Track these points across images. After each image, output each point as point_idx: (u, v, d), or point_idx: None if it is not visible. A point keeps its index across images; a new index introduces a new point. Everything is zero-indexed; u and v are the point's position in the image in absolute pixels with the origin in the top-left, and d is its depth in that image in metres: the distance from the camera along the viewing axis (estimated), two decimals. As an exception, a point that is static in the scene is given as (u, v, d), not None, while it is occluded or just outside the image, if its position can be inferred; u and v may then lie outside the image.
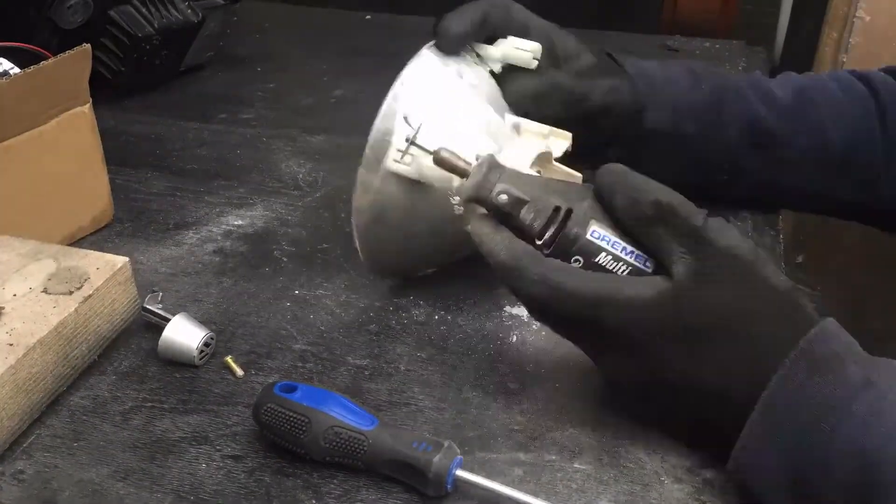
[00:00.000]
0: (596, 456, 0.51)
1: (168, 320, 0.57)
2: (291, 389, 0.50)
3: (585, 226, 0.48)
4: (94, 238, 0.73)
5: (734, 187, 0.70)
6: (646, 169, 0.49)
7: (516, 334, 0.61)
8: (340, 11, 1.26)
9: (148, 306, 0.60)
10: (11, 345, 0.52)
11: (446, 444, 0.48)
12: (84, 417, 0.54)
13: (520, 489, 0.47)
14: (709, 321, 0.45)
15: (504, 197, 0.49)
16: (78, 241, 0.71)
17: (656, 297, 0.45)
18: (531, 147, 0.58)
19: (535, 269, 0.47)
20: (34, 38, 0.73)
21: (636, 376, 0.49)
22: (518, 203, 0.49)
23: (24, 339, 0.52)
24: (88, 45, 0.66)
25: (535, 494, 0.47)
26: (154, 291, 0.62)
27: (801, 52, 1.04)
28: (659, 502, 0.48)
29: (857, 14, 0.94)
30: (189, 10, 0.96)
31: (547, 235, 0.49)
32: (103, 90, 0.77)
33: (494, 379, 0.57)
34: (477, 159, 0.50)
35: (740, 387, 0.45)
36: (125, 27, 0.91)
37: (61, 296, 0.56)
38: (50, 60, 0.64)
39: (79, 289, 0.56)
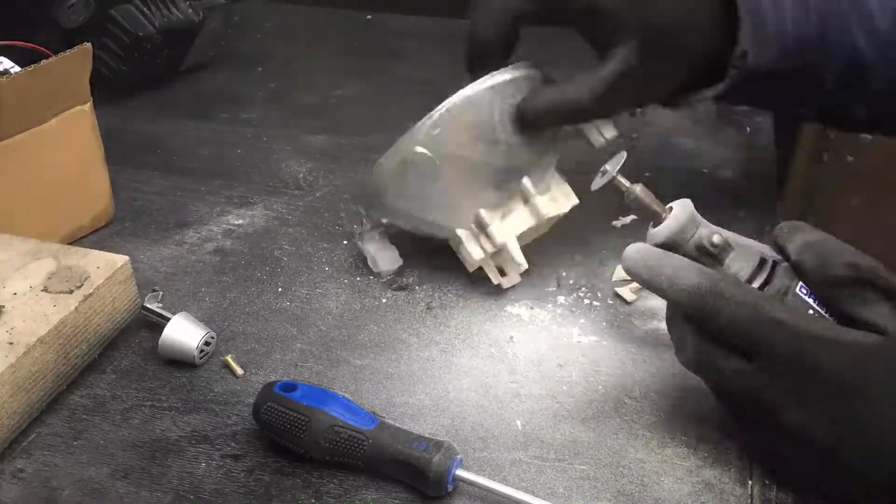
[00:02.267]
0: (596, 456, 0.51)
1: (168, 319, 0.57)
2: (291, 388, 0.50)
3: (792, 280, 0.47)
4: (95, 237, 0.73)
5: (810, 114, 0.68)
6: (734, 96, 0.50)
7: (517, 334, 0.61)
8: (341, 11, 1.26)
9: (148, 305, 0.60)
10: (11, 343, 0.52)
11: (446, 443, 0.48)
12: (84, 416, 0.54)
13: (520, 489, 0.47)
14: None
15: (717, 238, 0.48)
16: (78, 240, 0.71)
17: (881, 343, 0.43)
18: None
19: (743, 294, 0.44)
20: (35, 36, 0.73)
21: (827, 434, 0.43)
22: (726, 249, 0.48)
23: (25, 338, 0.52)
24: (89, 44, 0.66)
25: (535, 494, 0.47)
26: (154, 290, 0.62)
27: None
28: (659, 502, 0.48)
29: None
30: (190, 10, 0.96)
31: (755, 285, 0.47)
32: (104, 89, 0.77)
33: (495, 378, 0.57)
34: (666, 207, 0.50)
35: None
36: (126, 26, 0.91)
37: (61, 294, 0.56)
38: (51, 59, 0.64)
39: (79, 287, 0.56)
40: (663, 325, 0.60)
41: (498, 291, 0.65)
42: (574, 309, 0.63)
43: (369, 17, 1.24)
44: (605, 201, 0.60)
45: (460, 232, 0.62)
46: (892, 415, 0.42)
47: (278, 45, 1.15)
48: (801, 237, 0.47)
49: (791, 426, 0.44)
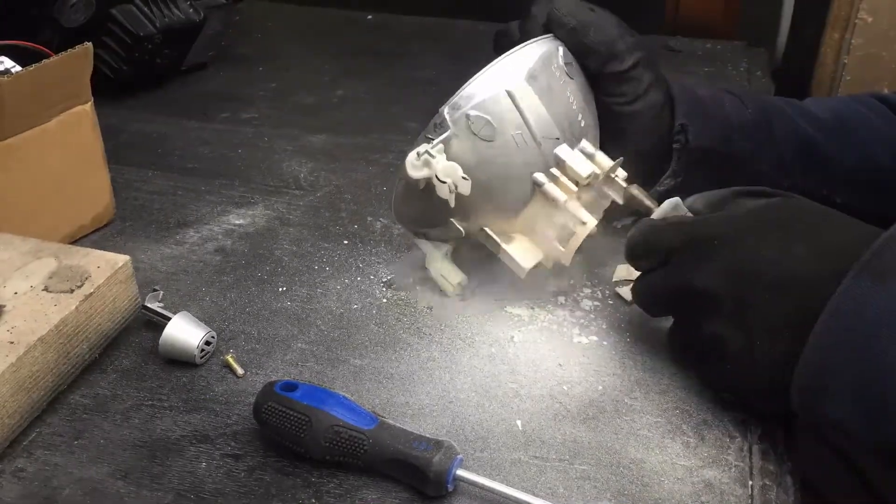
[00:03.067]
0: (596, 456, 0.51)
1: (169, 319, 0.57)
2: (292, 388, 0.50)
3: None
4: (96, 236, 0.73)
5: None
6: (699, 189, 0.56)
7: (517, 334, 0.61)
8: (342, 11, 1.26)
9: (149, 305, 0.60)
10: (12, 343, 0.52)
11: (446, 443, 0.48)
12: (84, 416, 0.54)
13: (520, 489, 0.47)
14: (793, 216, 0.51)
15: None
16: (79, 240, 0.71)
17: (753, 207, 0.53)
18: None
19: (665, 222, 0.56)
20: (36, 36, 0.73)
21: (729, 289, 0.50)
22: None
23: (25, 337, 0.52)
24: (90, 44, 0.66)
25: (536, 494, 0.47)
26: (155, 290, 0.62)
27: (803, 53, 1.04)
28: (659, 502, 0.48)
29: (858, 15, 0.94)
30: (191, 10, 0.96)
31: None
32: (105, 89, 0.77)
33: (495, 378, 0.57)
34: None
35: (817, 277, 0.47)
36: (127, 26, 0.91)
37: (62, 294, 0.56)
38: (52, 59, 0.64)
39: (80, 287, 0.56)
40: (663, 325, 0.60)
41: (498, 292, 0.65)
42: (574, 309, 0.63)
43: (370, 17, 1.24)
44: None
45: (539, 175, 0.58)
46: (773, 255, 0.49)
47: (279, 45, 1.15)
48: (696, 195, 0.57)
49: (700, 292, 0.51)
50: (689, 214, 0.56)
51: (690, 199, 0.57)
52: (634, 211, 0.61)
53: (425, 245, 0.65)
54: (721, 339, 0.50)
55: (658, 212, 0.57)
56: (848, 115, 0.71)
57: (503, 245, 0.60)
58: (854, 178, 0.68)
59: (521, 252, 0.61)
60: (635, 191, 0.60)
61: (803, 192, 0.69)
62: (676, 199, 0.57)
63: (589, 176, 0.58)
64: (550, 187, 0.58)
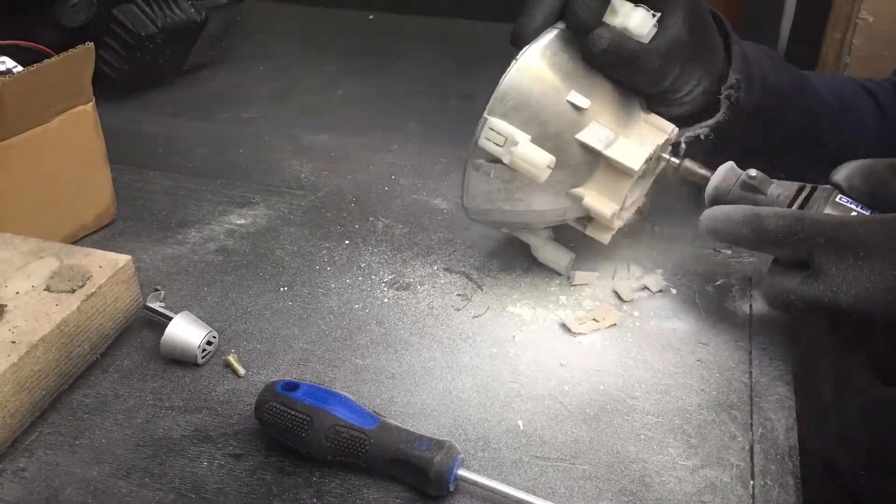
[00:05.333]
0: (597, 456, 0.51)
1: (170, 319, 0.57)
2: (293, 388, 0.50)
3: (831, 193, 0.55)
4: (97, 236, 0.73)
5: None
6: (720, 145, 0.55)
7: (518, 334, 0.61)
8: (343, 11, 1.26)
9: (150, 305, 0.60)
10: (14, 342, 0.52)
11: (448, 443, 0.48)
12: (86, 415, 0.54)
13: (521, 489, 0.47)
14: None
15: (753, 172, 0.57)
16: (80, 240, 0.71)
17: None
18: (620, 186, 0.60)
19: (782, 210, 0.52)
20: (38, 36, 0.73)
21: (886, 306, 0.47)
22: (764, 181, 0.56)
23: (27, 337, 0.52)
24: (92, 44, 0.66)
25: (537, 494, 0.47)
26: (156, 290, 0.62)
27: (804, 52, 1.04)
28: (659, 502, 0.48)
29: (859, 15, 0.94)
30: (192, 10, 0.96)
31: (797, 204, 0.55)
32: (106, 89, 0.77)
33: (496, 378, 0.57)
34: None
35: None
36: (128, 26, 0.91)
37: (64, 294, 0.56)
38: (53, 59, 0.64)
39: (81, 287, 0.56)
40: (663, 325, 0.60)
41: (499, 291, 0.65)
42: (576, 309, 0.63)
43: (371, 17, 1.24)
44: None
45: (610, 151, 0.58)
46: None
47: (280, 45, 1.15)
48: (847, 166, 0.54)
49: (849, 311, 0.47)
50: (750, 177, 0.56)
51: (844, 172, 0.54)
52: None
53: (527, 237, 0.66)
54: (873, 353, 0.48)
55: (712, 180, 0.58)
56: (848, 103, 0.70)
57: (605, 151, 0.58)
58: (830, 161, 0.66)
59: (626, 155, 0.58)
60: (688, 163, 0.60)
61: (787, 169, 0.67)
62: (730, 164, 0.57)
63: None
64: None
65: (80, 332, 0.55)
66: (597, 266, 0.67)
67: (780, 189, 0.57)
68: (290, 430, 0.49)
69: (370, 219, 0.75)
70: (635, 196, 0.63)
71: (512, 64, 0.57)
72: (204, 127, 0.92)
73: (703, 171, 0.59)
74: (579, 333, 0.60)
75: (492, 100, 0.57)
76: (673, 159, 0.61)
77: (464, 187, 0.61)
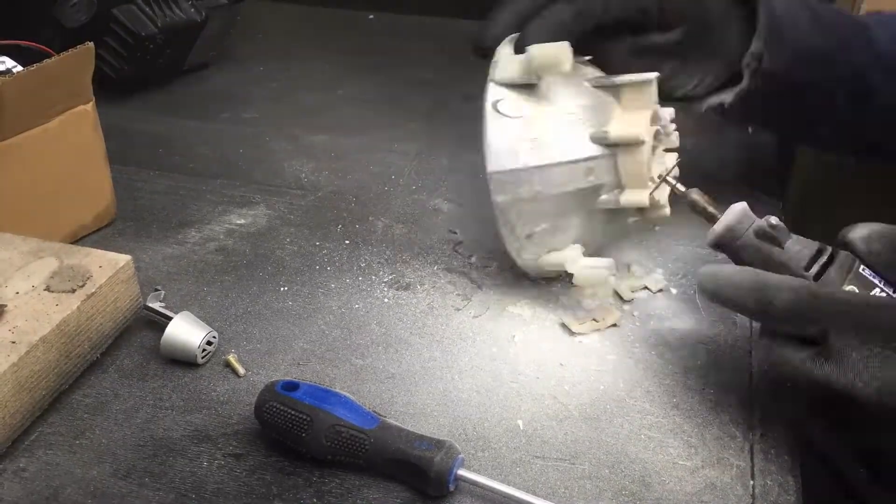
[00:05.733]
0: (597, 456, 0.51)
1: (170, 319, 0.57)
2: (293, 388, 0.50)
3: (854, 262, 0.49)
4: (97, 236, 0.73)
5: (824, 135, 0.67)
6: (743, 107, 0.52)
7: (518, 333, 0.61)
8: (343, 11, 1.26)
9: (150, 305, 0.60)
10: (14, 342, 0.52)
11: (448, 443, 0.48)
12: (86, 415, 0.54)
13: (521, 489, 0.47)
14: None
15: (775, 219, 0.50)
16: (80, 240, 0.71)
17: None
18: (642, 115, 0.58)
19: (794, 281, 0.45)
20: (38, 36, 0.73)
21: None
22: (784, 231, 0.50)
23: (27, 337, 0.52)
24: (92, 44, 0.66)
25: (537, 494, 0.47)
26: (156, 290, 0.62)
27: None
28: (659, 502, 0.48)
29: (860, 13, 0.94)
30: (192, 10, 0.96)
31: (815, 267, 0.49)
32: (106, 89, 0.77)
33: (496, 378, 0.57)
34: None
35: None
36: (128, 26, 0.91)
37: (64, 294, 0.56)
38: (53, 59, 0.64)
39: (81, 287, 0.56)
40: (663, 325, 0.60)
41: (499, 291, 0.65)
42: (576, 309, 0.63)
43: (371, 16, 1.24)
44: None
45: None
46: None
47: (280, 45, 1.15)
48: (866, 227, 0.49)
49: (866, 400, 0.42)
50: (758, 221, 0.51)
51: (862, 232, 0.50)
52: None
53: (562, 255, 0.62)
54: (876, 452, 0.44)
55: (724, 220, 0.52)
56: None
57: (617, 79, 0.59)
58: (881, 121, 0.64)
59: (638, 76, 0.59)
60: (696, 196, 0.55)
61: (844, 126, 0.64)
62: (743, 205, 0.52)
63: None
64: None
65: (80, 332, 0.55)
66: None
67: (798, 245, 0.50)
68: (290, 430, 0.49)
69: (370, 219, 0.75)
70: (664, 160, 0.61)
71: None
72: (204, 127, 0.92)
73: (712, 210, 0.54)
74: (579, 333, 0.60)
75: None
76: (679, 186, 0.57)
77: (485, 146, 0.58)
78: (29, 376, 0.52)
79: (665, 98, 0.61)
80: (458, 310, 0.63)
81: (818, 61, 0.62)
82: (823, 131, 0.67)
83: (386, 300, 0.64)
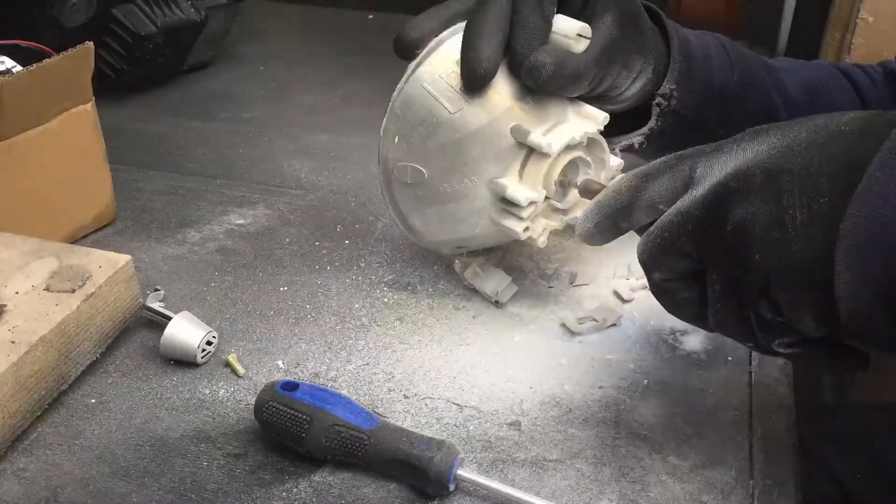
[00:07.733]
0: (597, 455, 0.51)
1: (170, 319, 0.57)
2: (293, 388, 0.50)
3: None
4: (97, 236, 0.73)
5: None
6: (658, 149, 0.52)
7: (517, 334, 0.61)
8: (343, 11, 1.26)
9: (150, 305, 0.60)
10: (14, 342, 0.52)
11: (447, 443, 0.48)
12: (86, 415, 0.54)
13: (521, 489, 0.47)
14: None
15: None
16: (80, 239, 0.71)
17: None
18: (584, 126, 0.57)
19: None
20: (37, 36, 0.73)
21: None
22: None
23: (27, 337, 0.52)
24: (91, 44, 0.66)
25: (536, 494, 0.47)
26: (156, 290, 0.62)
27: (804, 52, 1.04)
28: (659, 502, 0.48)
29: (859, 15, 0.94)
30: (192, 9, 0.96)
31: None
32: (106, 88, 0.77)
33: (495, 378, 0.57)
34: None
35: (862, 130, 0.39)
36: (128, 26, 0.91)
37: (63, 293, 0.56)
38: (53, 58, 0.64)
39: (81, 287, 0.56)
40: (663, 325, 0.60)
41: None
42: (575, 309, 0.63)
43: (371, 16, 1.24)
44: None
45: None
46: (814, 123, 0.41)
47: (280, 45, 1.16)
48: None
49: (725, 181, 0.43)
50: None
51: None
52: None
53: (459, 265, 0.64)
54: (748, 222, 0.41)
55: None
56: (818, 95, 0.68)
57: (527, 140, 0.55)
58: None
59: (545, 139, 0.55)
60: (586, 182, 0.55)
61: None
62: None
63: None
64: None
65: (79, 332, 0.55)
66: (597, 266, 0.67)
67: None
68: (289, 430, 0.49)
69: (370, 218, 0.75)
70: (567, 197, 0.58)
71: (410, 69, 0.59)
72: (204, 127, 0.92)
73: (598, 185, 0.54)
74: (579, 333, 0.60)
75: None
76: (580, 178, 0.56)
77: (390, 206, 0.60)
78: (29, 376, 0.52)
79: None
80: (458, 310, 0.63)
81: (731, 99, 0.64)
82: None
83: (386, 300, 0.64)
